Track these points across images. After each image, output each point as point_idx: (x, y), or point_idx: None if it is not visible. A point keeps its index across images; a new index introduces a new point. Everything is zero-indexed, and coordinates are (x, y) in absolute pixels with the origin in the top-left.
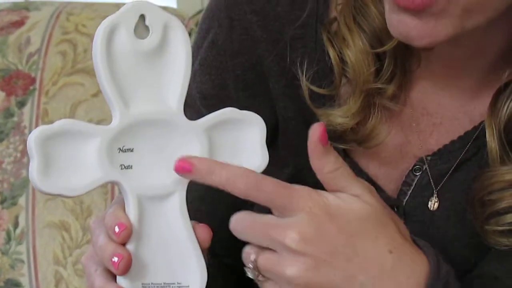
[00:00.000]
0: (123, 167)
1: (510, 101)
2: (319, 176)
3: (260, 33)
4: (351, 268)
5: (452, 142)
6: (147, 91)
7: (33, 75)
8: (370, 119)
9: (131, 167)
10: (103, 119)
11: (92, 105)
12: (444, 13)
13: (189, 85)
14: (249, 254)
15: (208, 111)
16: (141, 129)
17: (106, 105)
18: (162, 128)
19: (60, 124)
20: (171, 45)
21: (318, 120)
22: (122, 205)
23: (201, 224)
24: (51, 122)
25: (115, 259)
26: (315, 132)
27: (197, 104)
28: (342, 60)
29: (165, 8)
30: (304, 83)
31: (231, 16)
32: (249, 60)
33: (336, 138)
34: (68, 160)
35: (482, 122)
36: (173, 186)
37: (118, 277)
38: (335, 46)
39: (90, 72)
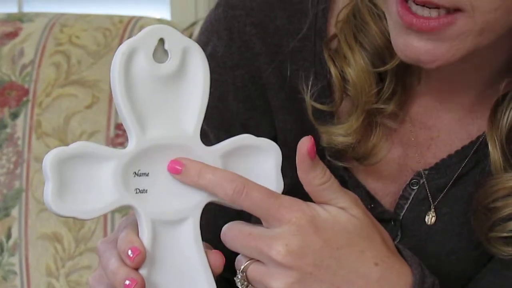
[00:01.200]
0: (138, 191)
1: (509, 111)
2: (307, 188)
3: (259, 45)
4: (337, 281)
5: (450, 156)
6: (164, 115)
7: (26, 86)
8: (371, 137)
9: (146, 191)
10: (97, 131)
11: (85, 116)
12: (462, 36)
13: None
14: (239, 263)
15: (206, 124)
16: (157, 153)
17: (99, 116)
18: (178, 153)
19: (76, 146)
20: (189, 70)
21: (316, 133)
22: (135, 228)
23: (214, 250)
24: (45, 133)
25: (129, 283)
26: (304, 145)
27: None
28: (343, 78)
29: (159, 20)
30: (308, 99)
31: (231, 28)
32: (249, 72)
33: (336, 155)
34: (83, 183)
35: (479, 136)
36: (188, 212)
37: None
38: (337, 63)
39: (83, 83)
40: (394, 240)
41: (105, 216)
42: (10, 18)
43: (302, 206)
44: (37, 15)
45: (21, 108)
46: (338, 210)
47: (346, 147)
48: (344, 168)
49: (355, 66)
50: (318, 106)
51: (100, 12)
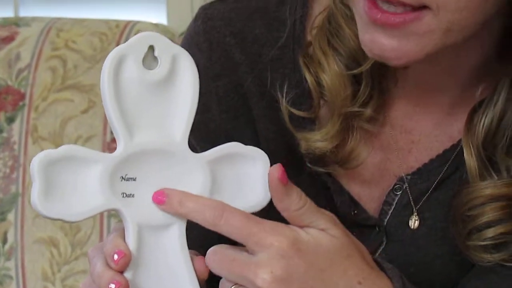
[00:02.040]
0: (124, 195)
1: (485, 118)
2: (284, 215)
3: (239, 55)
4: None
5: (431, 161)
6: (152, 121)
7: (22, 90)
8: (349, 141)
9: (133, 196)
10: (93, 135)
11: (81, 121)
12: (428, 33)
13: None
14: (224, 287)
15: (194, 137)
16: (145, 158)
17: (95, 121)
18: (166, 159)
19: (63, 149)
20: (179, 77)
21: (297, 142)
22: (122, 233)
23: (199, 257)
24: (41, 138)
25: (112, 286)
26: (274, 173)
27: None
28: (319, 84)
29: (156, 25)
30: (284, 105)
31: (210, 39)
32: (231, 82)
33: (316, 161)
34: (70, 186)
35: (460, 140)
36: (174, 217)
37: None
38: (311, 70)
39: (80, 88)
40: (379, 246)
41: (101, 221)
42: (6, 22)
43: (284, 229)
44: (34, 19)
45: (17, 113)
46: (319, 232)
47: (325, 152)
48: (327, 173)
49: (329, 71)
50: (295, 112)
51: (96, 16)
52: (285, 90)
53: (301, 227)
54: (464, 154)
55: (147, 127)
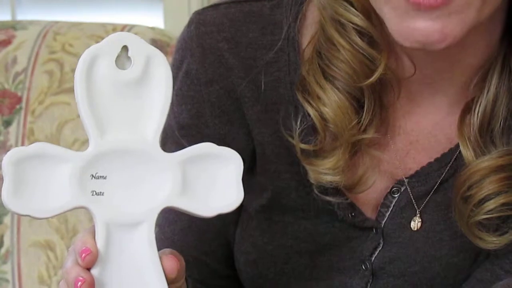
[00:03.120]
0: (94, 193)
1: (479, 106)
2: None
3: (232, 60)
4: None
5: (429, 164)
6: (124, 120)
7: (19, 94)
8: (359, 168)
9: (102, 194)
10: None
11: (78, 124)
12: (466, 8)
13: (168, 116)
14: None
15: (186, 141)
16: (115, 157)
17: None
18: (137, 158)
19: (33, 147)
20: (152, 78)
21: (294, 145)
22: (92, 231)
23: (169, 256)
24: (37, 141)
25: (78, 283)
26: None
27: (176, 134)
28: (322, 117)
29: (152, 29)
30: (296, 139)
31: (203, 45)
32: (224, 87)
33: (324, 189)
34: (40, 183)
35: (458, 144)
36: (143, 216)
37: None
38: (313, 104)
39: None
40: (376, 248)
41: None
42: (3, 26)
43: None
44: (31, 23)
45: (14, 116)
46: None
47: (335, 185)
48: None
49: (331, 104)
50: (306, 147)
51: (93, 20)
52: (299, 121)
53: None
54: (460, 147)
55: (119, 126)
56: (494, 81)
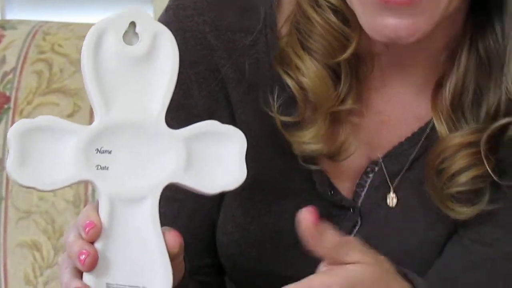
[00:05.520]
0: (99, 167)
1: (450, 82)
2: (322, 252)
3: (214, 41)
4: None
5: (401, 143)
6: (130, 96)
7: (8, 94)
8: (340, 135)
9: (107, 168)
10: None
11: None
12: (435, 3)
13: None
14: None
15: (177, 122)
16: (121, 132)
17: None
18: (141, 134)
19: (41, 119)
20: (159, 54)
21: (275, 124)
22: (97, 206)
23: (171, 231)
24: None
25: (82, 256)
26: (308, 218)
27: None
28: (302, 88)
29: None
30: (275, 112)
31: (184, 28)
32: (208, 67)
33: (308, 158)
34: (45, 155)
35: (428, 122)
36: (147, 191)
37: (84, 275)
38: (292, 75)
39: (65, 92)
40: (354, 227)
41: None
42: None
43: (340, 271)
44: (20, 22)
45: (2, 116)
46: (361, 266)
47: (318, 154)
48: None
49: (309, 74)
50: (287, 119)
51: (83, 20)
52: (275, 96)
53: (338, 261)
54: (434, 121)
55: (125, 101)
56: (464, 58)
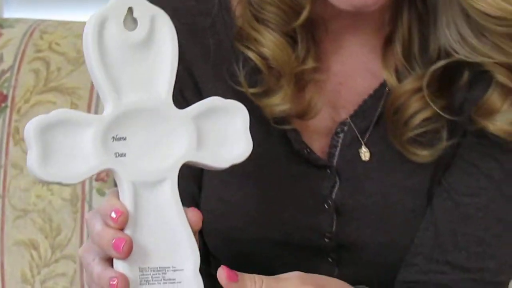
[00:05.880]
0: (117, 155)
1: (397, 34)
2: None
3: (176, 23)
4: None
5: (365, 101)
6: (138, 81)
7: (5, 92)
8: (306, 94)
9: (124, 155)
10: None
11: None
12: None
13: None
14: None
15: None
16: (133, 118)
17: None
18: (153, 117)
19: (55, 113)
20: (158, 37)
21: (245, 96)
22: (116, 195)
23: (192, 209)
24: (22, 140)
25: (117, 242)
26: (222, 276)
27: None
28: (263, 58)
29: None
30: (244, 85)
31: None
32: None
33: (280, 120)
34: (65, 149)
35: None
36: (165, 173)
37: (116, 263)
38: (252, 48)
39: (62, 90)
40: (334, 186)
41: (81, 224)
42: None
43: None
44: (17, 21)
45: None
46: None
47: (286, 113)
48: (283, 119)
49: (268, 44)
50: (253, 90)
51: (80, 19)
52: (241, 68)
53: None
54: (384, 75)
55: (133, 87)
56: (405, 15)
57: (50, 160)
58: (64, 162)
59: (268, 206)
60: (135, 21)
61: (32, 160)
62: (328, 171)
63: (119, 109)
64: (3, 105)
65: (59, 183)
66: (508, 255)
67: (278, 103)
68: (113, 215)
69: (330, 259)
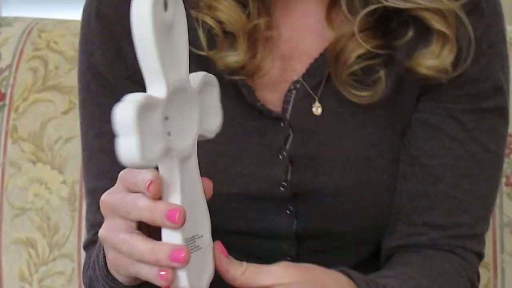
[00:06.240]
0: (168, 134)
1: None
2: (235, 283)
3: (110, 10)
4: None
5: (316, 59)
6: (171, 61)
7: (3, 91)
8: (258, 53)
9: (170, 134)
10: (72, 137)
11: (62, 122)
12: None
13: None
14: None
15: (113, 77)
16: (171, 97)
17: (76, 122)
18: (182, 95)
19: (143, 96)
20: (178, 18)
21: (211, 63)
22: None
23: (204, 177)
24: (21, 138)
25: (171, 213)
26: (217, 249)
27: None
28: (219, 22)
29: None
30: (206, 49)
31: (89, 11)
32: (111, 48)
33: (231, 73)
34: (149, 133)
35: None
36: (191, 148)
37: (164, 233)
38: (209, 14)
39: (60, 89)
40: (287, 138)
41: (79, 222)
42: None
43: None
44: (16, 19)
45: None
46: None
47: (239, 64)
48: (233, 84)
49: (222, 9)
50: (211, 53)
51: (78, 18)
52: (200, 31)
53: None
54: (327, 29)
55: (170, 67)
56: None
57: (143, 144)
58: (150, 145)
59: (223, 161)
60: (165, 2)
61: (135, 147)
62: (282, 124)
63: (169, 89)
64: (1, 103)
65: (142, 167)
66: (480, 208)
67: (232, 54)
68: (148, 185)
69: (288, 211)
